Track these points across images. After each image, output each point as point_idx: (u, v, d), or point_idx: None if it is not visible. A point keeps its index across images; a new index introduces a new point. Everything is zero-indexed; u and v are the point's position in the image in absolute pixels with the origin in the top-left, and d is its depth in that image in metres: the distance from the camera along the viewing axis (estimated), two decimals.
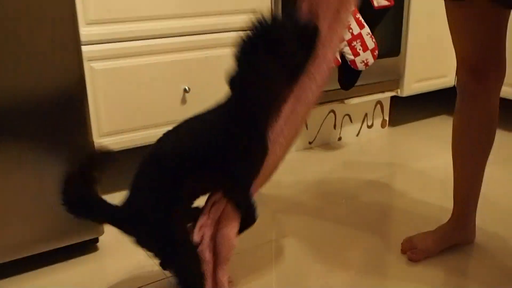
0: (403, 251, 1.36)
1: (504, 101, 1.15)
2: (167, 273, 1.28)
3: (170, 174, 0.98)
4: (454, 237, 1.36)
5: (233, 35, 1.72)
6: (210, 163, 1.00)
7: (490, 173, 1.31)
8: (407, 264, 1.32)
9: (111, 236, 1.43)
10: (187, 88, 1.67)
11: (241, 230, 1.10)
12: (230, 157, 1.00)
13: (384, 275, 1.29)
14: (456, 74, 1.25)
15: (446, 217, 1.39)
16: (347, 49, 1.82)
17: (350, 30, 1.81)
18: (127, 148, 1.63)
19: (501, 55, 1.18)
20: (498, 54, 1.18)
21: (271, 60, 0.96)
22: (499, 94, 1.23)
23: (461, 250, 1.37)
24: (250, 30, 0.98)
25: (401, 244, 1.38)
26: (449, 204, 1.38)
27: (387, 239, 1.46)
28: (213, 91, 1.74)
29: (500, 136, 1.28)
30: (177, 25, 1.62)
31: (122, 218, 1.01)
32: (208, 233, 1.08)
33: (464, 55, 1.20)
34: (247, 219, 1.09)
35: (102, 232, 1.36)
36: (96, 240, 1.39)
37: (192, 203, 1.09)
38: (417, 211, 1.59)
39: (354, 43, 1.82)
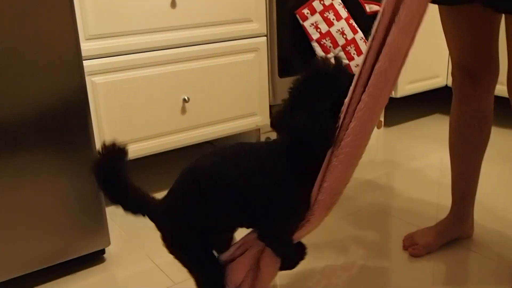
0: (405, 248, 1.39)
1: (498, 99, 1.18)
2: (176, 280, 1.30)
3: (207, 194, 0.92)
4: (453, 232, 1.39)
5: (231, 44, 1.76)
6: (249, 200, 0.91)
7: (485, 170, 1.34)
8: (409, 260, 1.35)
9: (117, 247, 1.46)
10: (186, 98, 1.70)
11: (281, 268, 1.03)
12: (271, 203, 0.91)
13: (387, 271, 1.32)
14: (451, 75, 1.28)
15: (443, 213, 1.43)
16: (342, 54, 1.86)
17: (344, 36, 1.85)
18: (131, 159, 1.66)
19: (494, 57, 1.22)
20: (491, 56, 1.21)
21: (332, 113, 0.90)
22: (493, 94, 1.26)
23: (461, 245, 1.40)
24: (314, 76, 0.92)
25: (403, 241, 1.41)
26: (445, 200, 1.41)
27: (388, 237, 1.49)
28: (212, 100, 1.77)
29: (495, 133, 1.32)
30: (174, 37, 1.65)
31: (154, 215, 0.98)
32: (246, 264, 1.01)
33: (458, 58, 1.24)
34: (286, 263, 1.02)
35: (108, 243, 1.38)
36: (103, 251, 1.41)
37: (225, 232, 1.03)
38: (414, 209, 1.63)
39: (348, 47, 1.86)
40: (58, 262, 1.31)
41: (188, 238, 0.95)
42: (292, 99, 0.92)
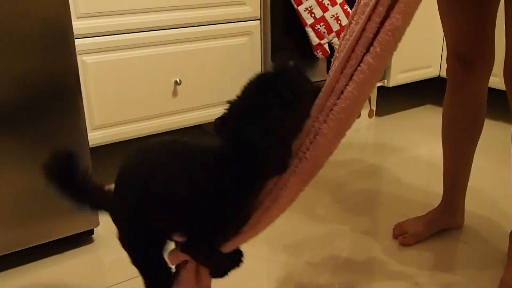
0: (395, 236, 1.39)
1: (492, 91, 1.18)
2: None
3: (134, 197, 0.88)
4: (443, 221, 1.40)
5: (224, 27, 1.74)
6: (171, 207, 0.86)
7: (477, 161, 1.35)
8: (399, 248, 1.36)
9: (106, 228, 1.44)
10: (178, 80, 1.68)
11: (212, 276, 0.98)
12: (193, 213, 0.85)
13: (377, 259, 1.32)
14: (446, 62, 1.28)
15: (433, 202, 1.43)
16: (336, 40, 1.84)
17: (339, 22, 1.83)
18: (120, 140, 1.64)
19: (490, 46, 1.21)
20: (487, 44, 1.20)
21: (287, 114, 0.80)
22: (487, 83, 1.26)
23: (450, 235, 1.41)
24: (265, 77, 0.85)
25: (393, 229, 1.41)
26: (436, 189, 1.41)
27: (378, 225, 1.49)
28: (204, 83, 1.75)
29: (488, 126, 1.32)
30: (167, 17, 1.62)
31: (109, 210, 0.96)
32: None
33: (454, 44, 1.23)
34: (215, 273, 0.96)
35: (97, 224, 1.37)
36: (91, 232, 1.40)
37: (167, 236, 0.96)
38: (405, 198, 1.63)
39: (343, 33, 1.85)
40: (46, 241, 1.30)
41: (133, 237, 0.93)
42: (243, 106, 0.82)
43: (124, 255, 0.94)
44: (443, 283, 1.22)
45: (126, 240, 0.94)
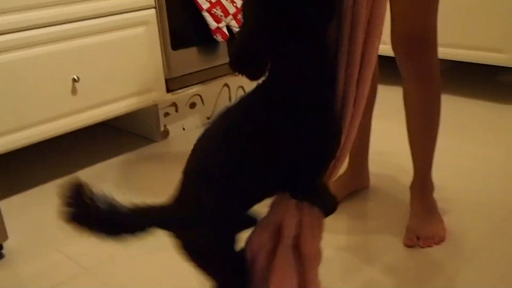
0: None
1: (381, 57, 1.24)
2: (85, 265, 1.26)
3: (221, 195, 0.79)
4: (352, 184, 1.49)
5: (118, 18, 1.69)
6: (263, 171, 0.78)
7: (377, 125, 1.44)
8: None
9: (18, 241, 1.37)
10: (76, 77, 1.61)
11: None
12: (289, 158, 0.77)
13: None
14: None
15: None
16: (233, 23, 1.86)
17: (234, 4, 1.85)
18: (22, 147, 1.55)
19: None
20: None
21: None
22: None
23: (359, 195, 1.50)
24: None
25: None
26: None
27: None
28: (104, 78, 1.70)
29: (382, 90, 1.41)
30: (58, 13, 1.54)
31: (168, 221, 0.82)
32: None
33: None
34: (326, 211, 0.88)
35: (5, 238, 1.29)
36: (0, 247, 1.32)
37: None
38: None
39: (240, 16, 1.87)
40: None
41: (222, 238, 0.82)
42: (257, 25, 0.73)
43: (41, 263, 0.89)
44: (359, 239, 1.31)
45: (204, 241, 0.81)
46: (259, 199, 0.83)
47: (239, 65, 0.77)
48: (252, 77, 0.79)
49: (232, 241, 0.84)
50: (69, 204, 0.76)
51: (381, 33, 0.82)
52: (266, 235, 0.86)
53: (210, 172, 0.78)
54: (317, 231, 0.86)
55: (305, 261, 0.85)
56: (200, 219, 0.80)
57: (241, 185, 0.79)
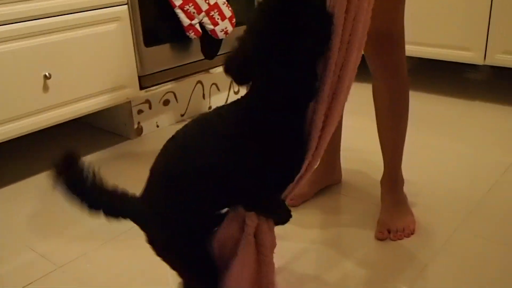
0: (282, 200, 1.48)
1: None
2: (59, 263, 1.25)
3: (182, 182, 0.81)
4: (325, 180, 1.52)
5: (90, 14, 1.67)
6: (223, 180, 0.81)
7: (348, 122, 1.47)
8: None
9: None
10: (47, 74, 1.59)
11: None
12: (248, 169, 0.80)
13: None
14: None
15: None
16: (206, 20, 1.87)
17: (207, 1, 1.86)
18: None
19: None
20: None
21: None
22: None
23: (332, 190, 1.53)
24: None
25: None
26: None
27: None
28: (76, 75, 1.68)
29: (352, 88, 1.44)
30: (28, 9, 1.52)
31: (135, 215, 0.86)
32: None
33: None
34: (278, 223, 0.92)
35: None
36: None
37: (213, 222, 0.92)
38: None
39: (212, 13, 1.88)
40: None
41: (179, 237, 0.85)
42: (256, 38, 0.75)
43: (15, 265, 0.88)
44: (332, 233, 1.34)
45: (168, 239, 0.85)
46: (214, 209, 0.88)
47: (235, 72, 0.81)
48: (241, 84, 0.83)
49: (193, 240, 0.87)
50: (61, 169, 0.82)
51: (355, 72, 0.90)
52: (236, 227, 0.90)
53: (172, 174, 0.82)
54: (271, 223, 0.92)
55: (261, 248, 0.91)
56: (154, 217, 0.84)
57: (199, 193, 0.82)
